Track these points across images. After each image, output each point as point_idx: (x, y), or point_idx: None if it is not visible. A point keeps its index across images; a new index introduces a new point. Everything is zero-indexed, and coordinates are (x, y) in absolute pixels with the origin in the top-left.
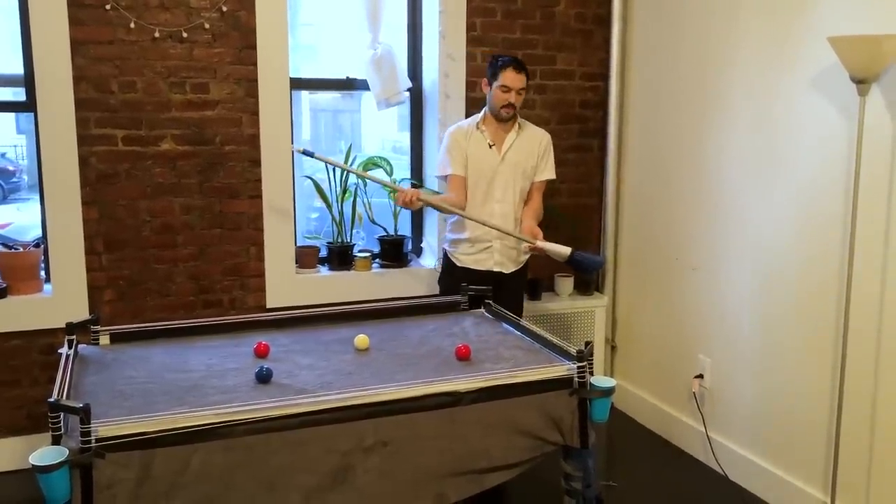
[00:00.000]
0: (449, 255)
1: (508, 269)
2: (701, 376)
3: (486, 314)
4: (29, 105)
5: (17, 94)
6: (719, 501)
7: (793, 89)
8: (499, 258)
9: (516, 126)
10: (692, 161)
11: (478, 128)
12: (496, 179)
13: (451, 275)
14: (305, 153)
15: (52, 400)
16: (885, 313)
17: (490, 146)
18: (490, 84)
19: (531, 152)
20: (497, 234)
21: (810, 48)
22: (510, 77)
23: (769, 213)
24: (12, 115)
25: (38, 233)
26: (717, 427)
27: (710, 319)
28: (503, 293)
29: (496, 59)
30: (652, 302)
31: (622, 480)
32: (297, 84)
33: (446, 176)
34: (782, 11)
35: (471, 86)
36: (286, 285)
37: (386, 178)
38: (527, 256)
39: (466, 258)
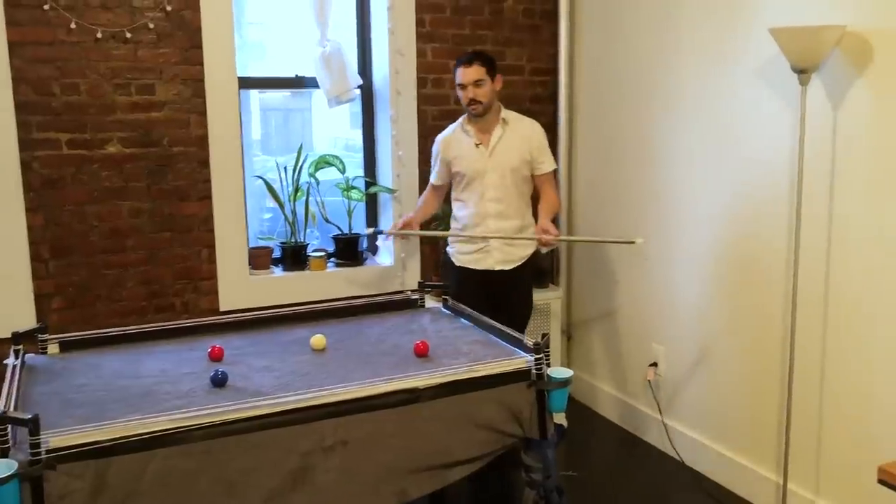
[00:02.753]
0: (448, 254)
1: (508, 266)
2: (655, 364)
3: (444, 310)
4: None
5: None
6: (677, 486)
7: (736, 80)
8: (499, 256)
9: (500, 121)
10: (641, 153)
11: (463, 129)
12: (487, 178)
13: (451, 273)
14: (377, 233)
15: None
16: (830, 298)
17: (477, 145)
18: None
19: (520, 147)
20: (493, 234)
21: (753, 39)
22: (460, 73)
23: (716, 202)
24: None
25: None
26: (672, 414)
27: (662, 309)
28: (508, 291)
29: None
30: (606, 293)
31: (581, 470)
32: (246, 83)
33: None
34: (725, 3)
35: (421, 82)
36: (239, 287)
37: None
38: (529, 251)
39: (464, 257)
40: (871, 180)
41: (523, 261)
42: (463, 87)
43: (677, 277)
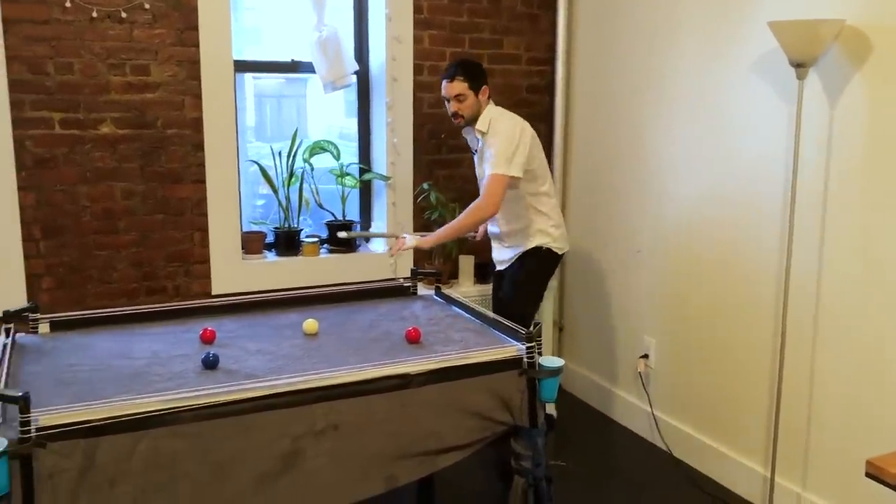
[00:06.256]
0: None
1: (502, 266)
2: (646, 356)
3: (436, 297)
4: None
5: None
6: (665, 478)
7: (734, 73)
8: (496, 256)
9: (478, 132)
10: (637, 145)
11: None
12: (480, 184)
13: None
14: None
15: None
16: (822, 292)
17: (473, 153)
18: None
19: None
20: (495, 236)
21: (751, 33)
22: (444, 86)
23: (711, 195)
24: None
25: None
26: (661, 406)
27: (654, 301)
28: (502, 284)
29: None
30: (598, 284)
31: (570, 459)
32: (242, 66)
33: None
34: None
35: (418, 69)
36: (232, 271)
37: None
38: (516, 252)
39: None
40: (866, 175)
41: (512, 261)
42: (446, 101)
43: (669, 270)
